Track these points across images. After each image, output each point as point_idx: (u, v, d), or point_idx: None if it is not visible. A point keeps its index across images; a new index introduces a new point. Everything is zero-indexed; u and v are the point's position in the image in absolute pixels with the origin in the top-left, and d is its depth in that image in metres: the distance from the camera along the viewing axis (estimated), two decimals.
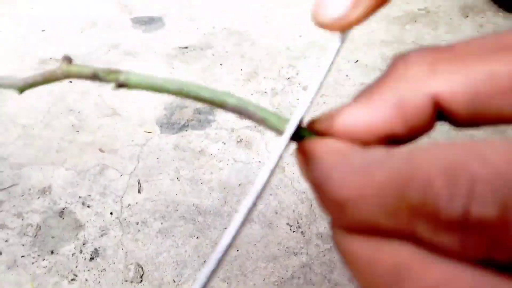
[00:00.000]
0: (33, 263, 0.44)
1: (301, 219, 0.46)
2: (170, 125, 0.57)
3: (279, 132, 0.10)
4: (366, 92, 0.10)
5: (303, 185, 0.49)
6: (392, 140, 0.09)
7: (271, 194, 0.48)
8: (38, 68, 0.66)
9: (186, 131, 0.56)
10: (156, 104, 0.60)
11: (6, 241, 0.46)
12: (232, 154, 0.53)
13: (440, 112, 0.09)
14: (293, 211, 0.47)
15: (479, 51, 0.09)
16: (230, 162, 0.52)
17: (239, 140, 0.55)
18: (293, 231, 0.45)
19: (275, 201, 0.48)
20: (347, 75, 0.63)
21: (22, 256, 0.44)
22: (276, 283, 0.41)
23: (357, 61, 0.66)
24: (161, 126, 0.57)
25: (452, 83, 0.09)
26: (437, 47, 0.10)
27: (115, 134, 0.56)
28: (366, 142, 0.09)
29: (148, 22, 0.74)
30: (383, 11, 0.72)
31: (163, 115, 0.59)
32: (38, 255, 0.45)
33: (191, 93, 0.11)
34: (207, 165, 0.52)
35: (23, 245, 0.45)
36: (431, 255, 0.07)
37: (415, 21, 0.73)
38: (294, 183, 0.49)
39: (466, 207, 0.07)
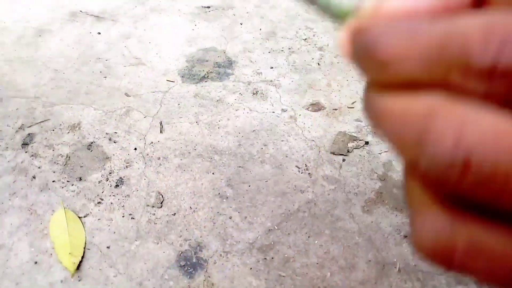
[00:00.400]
0: (62, 187, 0.48)
1: (309, 162, 0.50)
2: (191, 76, 0.61)
3: (338, 18, 0.11)
4: None
5: (313, 134, 0.52)
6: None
7: (282, 140, 0.52)
8: (69, 19, 0.70)
9: (205, 81, 0.60)
10: (178, 57, 0.64)
11: (39, 167, 0.50)
12: (247, 104, 0.57)
13: None
14: (302, 155, 0.50)
15: None
16: (246, 111, 0.56)
17: (255, 92, 0.58)
18: (301, 173, 0.49)
19: (286, 146, 0.51)
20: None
21: (53, 181, 0.49)
22: (283, 215, 0.45)
23: None
24: (182, 77, 0.61)
25: None
26: None
27: (140, 82, 0.60)
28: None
29: None
30: None
31: (185, 67, 0.62)
32: (68, 181, 0.49)
33: None
34: (224, 113, 0.56)
35: (54, 172, 0.50)
36: (459, 101, 0.08)
37: None
38: (305, 131, 0.53)
39: (496, 58, 0.08)
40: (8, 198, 0.47)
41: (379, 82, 0.09)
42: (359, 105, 0.55)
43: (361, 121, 0.53)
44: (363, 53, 0.10)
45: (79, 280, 0.41)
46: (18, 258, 0.43)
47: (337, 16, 0.11)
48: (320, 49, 0.63)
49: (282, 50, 0.63)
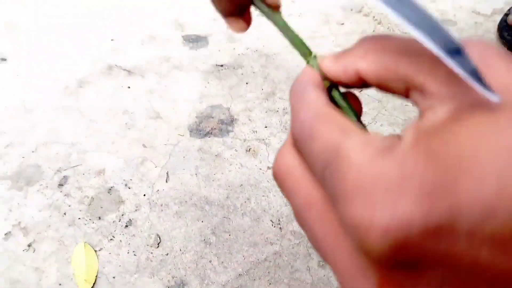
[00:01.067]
0: (85, 224, 0.61)
1: (282, 218, 0.60)
2: (197, 131, 0.73)
3: (300, 52, 0.17)
4: (341, 53, 0.15)
5: None
6: (347, 85, 0.15)
7: (263, 196, 0.62)
8: (106, 73, 0.84)
9: (209, 137, 0.72)
10: (190, 112, 0.76)
11: (69, 206, 0.64)
12: (240, 160, 0.67)
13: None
14: (277, 211, 0.60)
15: (397, 47, 0.13)
16: (238, 166, 0.67)
17: (248, 149, 0.69)
18: (274, 226, 0.59)
19: (265, 202, 0.62)
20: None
21: (79, 218, 0.62)
22: (253, 262, 0.55)
23: (361, 90, 0.77)
24: (191, 131, 0.73)
25: (367, 67, 0.13)
26: (378, 37, 0.14)
27: (156, 134, 0.73)
28: (333, 77, 0.15)
29: (195, 40, 0.89)
30: None
31: (194, 122, 0.74)
32: (90, 219, 0.62)
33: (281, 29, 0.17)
34: (220, 167, 0.67)
35: (80, 211, 0.63)
36: None
37: None
38: None
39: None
40: (44, 230, 0.61)
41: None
42: None
43: None
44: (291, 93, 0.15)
45: None
46: (48, 280, 0.56)
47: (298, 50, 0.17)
48: None
49: (277, 111, 0.74)
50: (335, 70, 0.15)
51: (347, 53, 0.15)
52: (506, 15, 0.86)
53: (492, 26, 0.88)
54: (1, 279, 0.56)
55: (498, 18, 0.88)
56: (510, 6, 0.88)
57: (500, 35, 0.84)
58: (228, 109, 0.76)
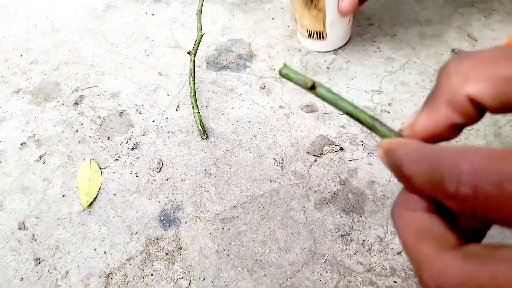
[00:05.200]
0: (94, 143, 0.63)
1: (286, 157, 0.58)
2: (214, 63, 0.71)
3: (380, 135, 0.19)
4: (428, 101, 0.17)
5: (298, 133, 0.60)
6: (456, 127, 0.16)
7: (270, 134, 0.61)
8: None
9: (225, 71, 0.70)
10: (210, 44, 0.74)
11: (82, 124, 0.65)
12: (252, 96, 0.65)
13: (478, 105, 0.15)
14: (282, 150, 0.59)
15: (500, 57, 0.14)
16: (249, 103, 0.65)
17: (262, 86, 0.67)
18: (276, 165, 0.57)
19: (271, 140, 0.60)
20: (378, 47, 0.70)
21: (89, 136, 0.63)
22: (249, 197, 0.55)
23: (394, 35, 0.71)
24: (208, 63, 0.71)
25: (479, 87, 0.14)
26: (467, 56, 0.15)
27: (173, 63, 0.72)
28: (438, 134, 0.16)
29: None
30: None
31: (212, 55, 0.72)
32: (99, 138, 0.63)
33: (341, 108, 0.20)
34: (231, 101, 0.65)
35: (91, 129, 0.64)
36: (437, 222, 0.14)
37: (472, 5, 0.74)
38: (292, 130, 0.61)
39: (456, 187, 0.13)
40: (56, 144, 0.63)
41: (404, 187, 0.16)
42: None
43: (345, 128, 0.60)
44: (393, 167, 0.16)
45: (88, 215, 0.56)
46: (53, 190, 0.58)
47: (380, 135, 0.19)
48: (335, 53, 0.69)
49: (300, 50, 0.70)
50: (431, 125, 0.16)
51: (433, 97, 0.16)
52: None
53: None
54: (14, 184, 0.59)
55: None
56: None
57: None
58: (249, 44, 0.73)
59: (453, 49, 0.68)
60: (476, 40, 0.68)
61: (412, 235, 0.14)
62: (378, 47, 0.70)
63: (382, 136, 0.18)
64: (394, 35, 0.71)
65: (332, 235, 0.51)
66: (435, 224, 0.14)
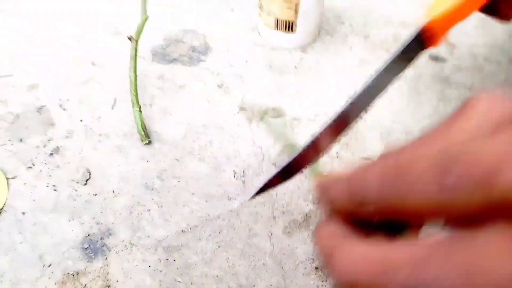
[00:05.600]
0: (2, 145, 0.49)
1: (248, 170, 0.48)
2: (162, 55, 0.59)
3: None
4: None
5: (263, 141, 0.50)
6: None
7: (229, 141, 0.50)
8: None
9: (175, 64, 0.58)
10: (157, 34, 0.62)
11: None
12: (208, 95, 0.55)
13: None
14: (244, 161, 0.48)
15: None
16: (204, 102, 0.54)
17: (220, 84, 0.56)
18: (236, 178, 0.47)
19: (230, 148, 0.49)
20: (350, 48, 0.62)
21: None
22: (201, 218, 0.44)
23: (368, 36, 0.64)
24: (154, 55, 0.59)
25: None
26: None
27: (110, 52, 0.59)
28: None
29: None
30: None
31: (160, 45, 0.61)
32: (9, 140, 0.49)
33: None
34: (182, 100, 0.54)
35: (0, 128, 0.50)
36: (351, 235, 0.16)
37: None
38: (255, 137, 0.51)
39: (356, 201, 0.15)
40: None
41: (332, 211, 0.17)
42: (321, 119, 0.52)
43: None
44: (321, 195, 0.17)
45: None
46: None
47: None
48: (304, 51, 0.60)
49: (264, 45, 0.60)
50: None
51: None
52: None
53: None
54: None
55: None
56: None
57: None
58: (204, 35, 0.62)
59: (431, 54, 0.62)
60: (454, 46, 0.62)
61: (325, 237, 0.16)
62: (351, 48, 0.62)
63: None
64: (368, 36, 0.64)
65: (305, 268, 0.41)
66: (347, 229, 0.16)
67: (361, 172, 0.15)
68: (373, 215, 0.15)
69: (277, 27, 0.58)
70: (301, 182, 0.47)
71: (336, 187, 0.16)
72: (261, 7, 0.58)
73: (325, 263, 0.15)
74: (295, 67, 0.59)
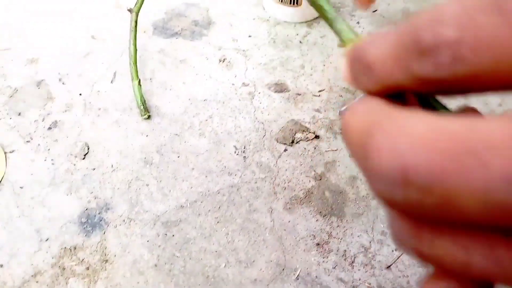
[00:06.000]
0: (0, 119, 0.48)
1: (249, 145, 0.46)
2: (164, 29, 0.58)
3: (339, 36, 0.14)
4: None
5: (265, 116, 0.49)
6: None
7: (230, 116, 0.49)
8: None
9: (176, 38, 0.57)
10: (159, 7, 0.60)
11: None
12: (210, 70, 0.53)
13: None
14: (245, 136, 0.47)
15: None
16: (205, 77, 0.53)
17: (222, 59, 0.55)
18: (237, 154, 0.46)
19: (231, 123, 0.48)
20: (358, 22, 0.60)
21: None
22: (201, 193, 0.43)
23: (375, 10, 0.62)
24: (155, 28, 0.58)
25: None
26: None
27: (111, 25, 0.58)
28: None
29: None
30: None
31: (161, 18, 0.59)
32: (7, 114, 0.49)
33: None
34: (183, 74, 0.53)
35: None
36: (398, 108, 0.10)
37: None
38: (257, 112, 0.49)
39: (437, 37, 0.09)
40: None
41: (368, 91, 0.11)
42: (325, 95, 0.51)
43: (320, 112, 0.49)
44: (355, 63, 0.11)
45: None
46: None
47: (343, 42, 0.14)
48: (309, 26, 0.58)
49: (268, 20, 0.59)
50: None
51: None
52: None
53: None
54: None
55: None
56: None
57: None
58: (207, 9, 0.60)
59: None
60: None
61: (360, 113, 0.10)
62: (358, 22, 0.60)
63: (342, 36, 0.14)
64: (375, 10, 0.62)
65: (306, 244, 0.40)
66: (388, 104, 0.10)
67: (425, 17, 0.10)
68: (432, 86, 0.10)
69: (282, 0, 0.56)
70: (303, 158, 0.46)
71: (379, 45, 0.11)
72: None
73: (360, 151, 0.10)
74: (300, 41, 0.57)
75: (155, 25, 0.58)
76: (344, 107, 0.12)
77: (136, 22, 0.51)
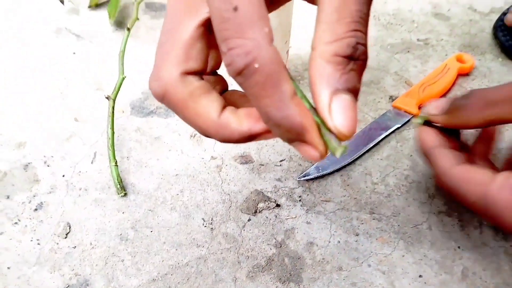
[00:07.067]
0: None
1: (216, 217, 0.51)
2: (140, 108, 0.64)
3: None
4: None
5: (231, 188, 0.54)
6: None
7: (199, 189, 0.54)
8: (54, 36, 0.75)
9: (152, 117, 0.63)
10: (138, 87, 0.67)
11: None
12: (181, 146, 0.59)
13: None
14: (212, 208, 0.52)
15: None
16: (177, 153, 0.58)
17: (193, 134, 0.60)
18: (205, 226, 0.51)
19: (200, 196, 0.53)
20: None
21: None
22: (171, 266, 0.47)
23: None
24: (132, 108, 0.64)
25: None
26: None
27: (93, 107, 0.64)
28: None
29: (158, 9, 0.80)
30: (381, 37, 0.74)
31: (138, 98, 0.65)
32: None
33: None
34: (156, 152, 0.58)
35: None
36: None
37: (408, 51, 0.73)
38: (224, 184, 0.55)
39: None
40: None
41: None
42: (286, 164, 0.56)
43: (281, 181, 0.54)
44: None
45: None
46: None
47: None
48: None
49: None
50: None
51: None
52: (504, 14, 0.77)
53: (487, 25, 0.79)
54: None
55: (495, 17, 0.80)
56: (510, 6, 0.79)
57: (494, 35, 0.76)
58: None
59: (391, 96, 0.66)
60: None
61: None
62: None
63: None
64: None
65: None
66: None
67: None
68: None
69: None
70: (265, 226, 0.50)
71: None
72: None
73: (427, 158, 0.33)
74: None
75: (132, 104, 0.65)
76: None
77: (113, 108, 0.57)
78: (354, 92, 0.21)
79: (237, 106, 0.26)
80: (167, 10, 0.26)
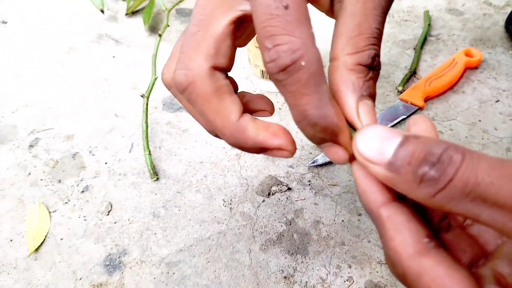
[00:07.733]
0: (45, 186, 0.63)
1: (235, 198, 0.59)
2: (171, 104, 0.72)
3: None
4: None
5: (248, 173, 0.61)
6: None
7: (220, 175, 0.61)
8: (94, 41, 0.85)
9: (181, 112, 0.71)
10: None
11: (35, 166, 0.65)
12: (206, 137, 0.67)
13: None
14: (232, 191, 0.59)
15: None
16: (202, 143, 0.66)
17: None
18: (225, 206, 0.58)
19: (221, 180, 0.61)
20: None
21: (41, 179, 0.63)
22: (196, 239, 0.55)
23: None
24: (164, 104, 0.72)
25: None
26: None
27: (130, 105, 0.73)
28: None
29: (188, 14, 0.88)
30: (394, 33, 0.78)
31: (169, 96, 0.74)
32: (50, 181, 0.63)
33: None
34: (184, 142, 0.66)
35: (43, 172, 0.64)
36: None
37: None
38: (242, 170, 0.62)
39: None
40: (8, 187, 0.63)
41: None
42: (298, 153, 0.63)
43: (293, 168, 0.61)
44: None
45: (35, 260, 0.55)
46: (2, 235, 0.58)
47: None
48: None
49: (254, 91, 0.72)
50: None
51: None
52: None
53: (501, 18, 0.81)
54: None
55: (510, 10, 0.82)
56: None
57: (506, 28, 0.78)
58: None
59: (400, 90, 0.70)
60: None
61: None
62: None
63: None
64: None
65: (276, 277, 0.51)
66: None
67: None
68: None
69: (262, 76, 0.69)
70: (277, 207, 0.57)
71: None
72: (249, 61, 0.70)
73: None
74: (280, 108, 0.70)
75: (164, 101, 0.73)
76: None
77: (147, 104, 0.65)
78: (373, 97, 0.22)
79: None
80: (197, 1, 0.24)
